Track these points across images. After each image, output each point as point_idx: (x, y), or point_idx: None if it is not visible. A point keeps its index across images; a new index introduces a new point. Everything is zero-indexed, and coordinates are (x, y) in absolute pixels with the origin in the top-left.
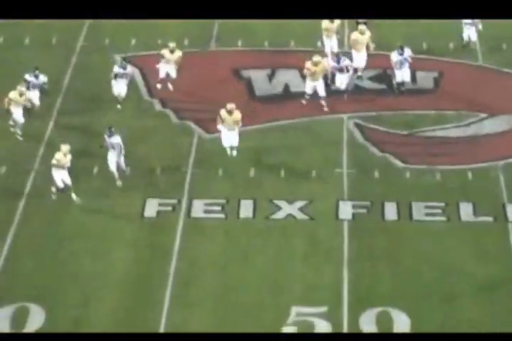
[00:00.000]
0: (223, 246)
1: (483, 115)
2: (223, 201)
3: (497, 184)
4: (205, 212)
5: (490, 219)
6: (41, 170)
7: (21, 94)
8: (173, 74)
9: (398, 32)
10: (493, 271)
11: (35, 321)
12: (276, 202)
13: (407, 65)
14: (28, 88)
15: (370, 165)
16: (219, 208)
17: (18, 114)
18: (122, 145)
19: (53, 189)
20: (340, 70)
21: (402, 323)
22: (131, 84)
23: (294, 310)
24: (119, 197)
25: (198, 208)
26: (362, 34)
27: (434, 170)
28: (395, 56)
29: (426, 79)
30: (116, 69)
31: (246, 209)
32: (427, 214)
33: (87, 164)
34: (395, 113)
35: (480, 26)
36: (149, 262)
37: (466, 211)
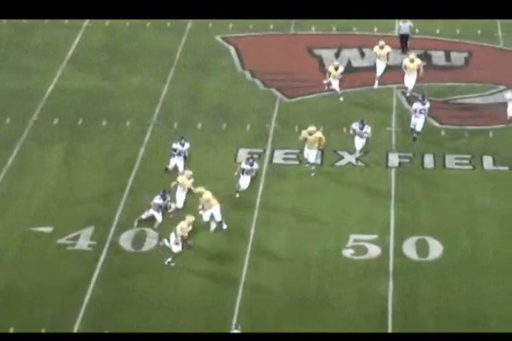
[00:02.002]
0: (297, 186)
1: (503, 87)
2: (297, 151)
3: None
4: (284, 159)
5: (506, 168)
6: None
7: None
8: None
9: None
10: (506, 207)
11: None
12: (339, 152)
13: (423, 115)
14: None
15: None
16: (294, 156)
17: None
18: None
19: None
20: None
21: (436, 249)
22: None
23: (352, 237)
24: (219, 147)
25: (279, 156)
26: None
27: (463, 129)
28: (416, 105)
29: (458, 58)
30: (175, 145)
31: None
32: (457, 164)
33: None
34: (433, 84)
35: None
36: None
37: (487, 161)
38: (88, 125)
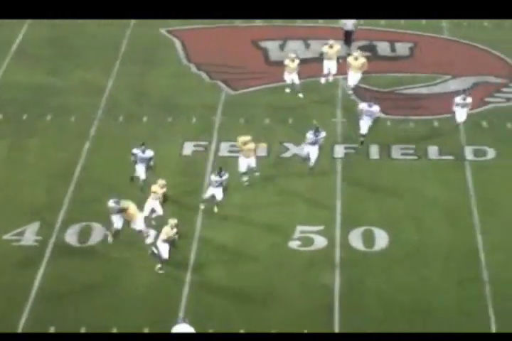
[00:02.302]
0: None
1: (448, 76)
2: None
3: (457, 130)
4: (230, 151)
5: (451, 157)
6: None
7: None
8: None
9: None
10: (452, 197)
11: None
12: (285, 144)
13: (369, 118)
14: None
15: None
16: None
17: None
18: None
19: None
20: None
21: (382, 239)
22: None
23: (298, 228)
24: (165, 141)
25: (224, 148)
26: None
27: (408, 119)
28: (362, 105)
29: (403, 48)
30: (135, 150)
31: (262, 149)
32: (403, 154)
33: None
34: (378, 75)
35: None
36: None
37: (433, 151)
38: (33, 120)
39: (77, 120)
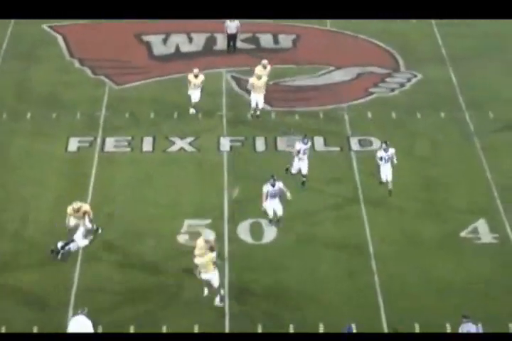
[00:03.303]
0: (131, 173)
1: (332, 68)
2: (129, 138)
3: (342, 122)
4: (115, 146)
5: (337, 148)
6: None
7: None
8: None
9: None
10: (339, 188)
11: None
12: (171, 138)
13: (306, 156)
14: None
15: (243, 108)
16: (126, 143)
17: None
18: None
19: None
20: None
21: (270, 232)
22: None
23: (186, 222)
24: (50, 137)
25: (110, 143)
26: (258, 79)
27: (293, 111)
28: (298, 145)
29: (286, 40)
30: None
31: (147, 144)
32: (288, 146)
33: None
34: None
35: None
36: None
37: (319, 142)
38: None
39: None
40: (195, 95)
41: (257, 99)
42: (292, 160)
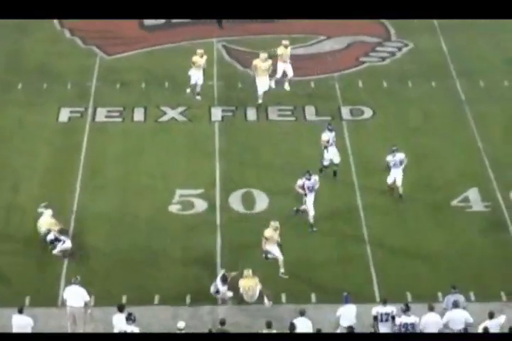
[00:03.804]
0: (122, 143)
1: (323, 37)
2: (120, 108)
3: (333, 91)
4: (106, 117)
5: (328, 118)
6: None
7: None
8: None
9: None
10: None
11: None
12: (162, 108)
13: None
14: None
15: (234, 77)
16: (117, 114)
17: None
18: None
19: None
20: None
21: (262, 201)
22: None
23: (178, 192)
24: (41, 107)
25: (101, 114)
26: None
27: (285, 80)
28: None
29: None
30: None
31: (139, 114)
32: (280, 115)
33: None
34: (254, 37)
35: None
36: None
37: (310, 112)
38: None
39: None
40: (197, 76)
41: (266, 82)
42: (323, 153)
